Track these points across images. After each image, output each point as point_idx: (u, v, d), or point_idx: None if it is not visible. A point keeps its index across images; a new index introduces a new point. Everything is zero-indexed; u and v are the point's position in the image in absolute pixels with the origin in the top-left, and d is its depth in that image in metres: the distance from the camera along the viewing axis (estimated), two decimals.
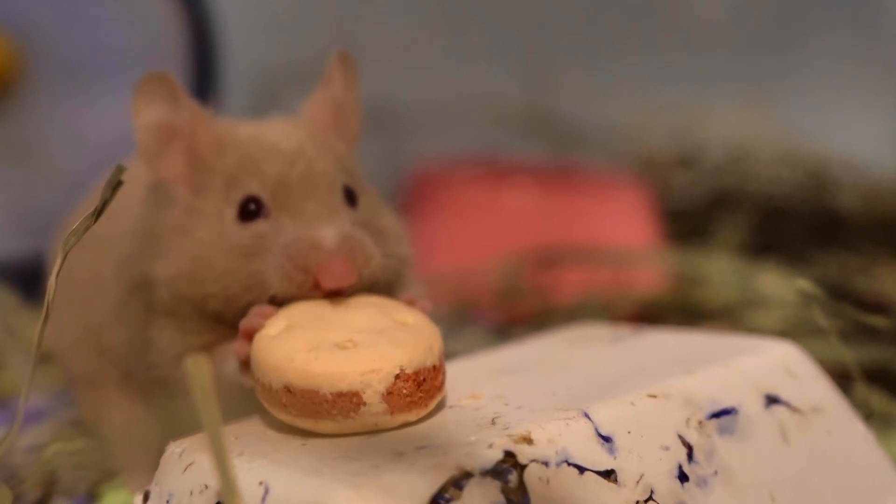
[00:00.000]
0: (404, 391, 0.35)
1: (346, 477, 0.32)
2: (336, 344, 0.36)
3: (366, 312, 0.38)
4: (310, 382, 0.35)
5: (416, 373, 0.35)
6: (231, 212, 0.41)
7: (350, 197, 0.42)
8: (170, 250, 0.42)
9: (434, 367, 0.36)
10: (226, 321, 0.41)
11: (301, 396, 0.35)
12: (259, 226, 0.41)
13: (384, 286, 0.42)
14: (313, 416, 0.35)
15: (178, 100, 0.42)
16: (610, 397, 0.37)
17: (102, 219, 0.39)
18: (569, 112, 0.96)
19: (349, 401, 0.35)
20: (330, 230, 0.40)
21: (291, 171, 0.41)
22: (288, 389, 0.35)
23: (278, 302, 0.40)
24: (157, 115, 0.42)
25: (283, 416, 0.36)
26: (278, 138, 0.42)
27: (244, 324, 0.39)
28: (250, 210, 0.41)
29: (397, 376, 0.35)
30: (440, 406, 0.37)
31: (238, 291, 0.40)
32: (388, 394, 0.35)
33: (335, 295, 0.39)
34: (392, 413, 0.35)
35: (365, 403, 0.35)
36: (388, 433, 0.35)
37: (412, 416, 0.35)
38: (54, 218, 0.58)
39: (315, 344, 0.36)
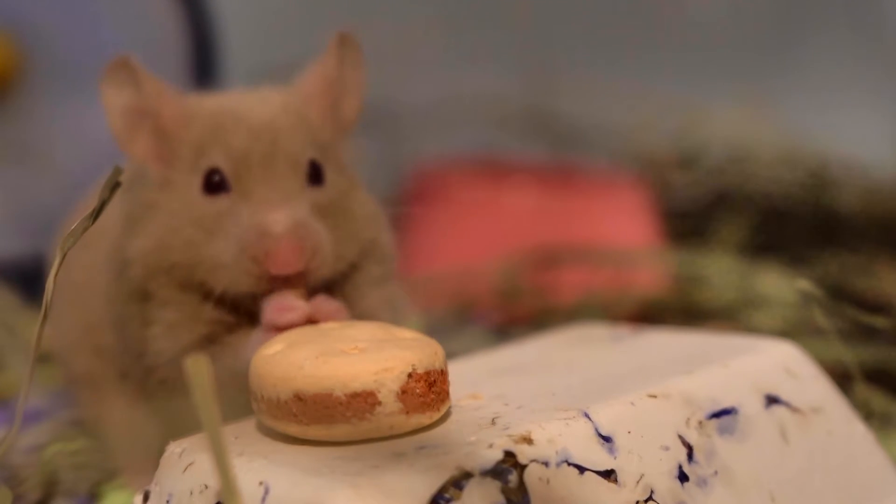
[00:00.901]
0: (417, 391, 0.35)
1: (346, 477, 0.32)
2: (343, 351, 0.36)
3: (366, 328, 0.38)
4: (322, 386, 0.34)
5: (427, 373, 0.35)
6: (197, 181, 0.42)
7: (316, 174, 0.42)
8: (144, 226, 0.42)
9: (441, 370, 0.36)
10: (207, 301, 0.41)
11: (313, 402, 0.34)
12: (220, 202, 0.41)
13: (345, 269, 0.42)
14: (326, 421, 0.34)
15: (141, 82, 0.42)
16: (610, 397, 0.37)
17: (100, 218, 0.40)
18: (569, 112, 0.96)
19: (364, 401, 0.34)
20: (280, 215, 0.40)
21: (255, 145, 0.41)
22: (298, 397, 0.35)
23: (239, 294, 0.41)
24: (123, 99, 0.43)
25: (294, 429, 0.35)
26: (248, 109, 0.43)
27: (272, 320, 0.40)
28: (214, 182, 0.41)
29: (410, 375, 0.35)
30: (448, 414, 0.37)
31: (198, 267, 0.41)
32: (403, 393, 0.34)
33: (286, 283, 0.40)
34: (407, 413, 0.35)
35: (380, 403, 0.34)
36: None
37: (426, 419, 0.35)
38: (54, 218, 0.58)
39: (322, 351, 0.36)
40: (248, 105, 0.43)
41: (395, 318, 0.43)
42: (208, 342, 0.42)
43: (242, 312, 0.41)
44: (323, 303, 0.41)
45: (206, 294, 0.41)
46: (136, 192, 0.44)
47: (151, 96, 0.42)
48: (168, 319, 0.42)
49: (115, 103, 0.43)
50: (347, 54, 0.45)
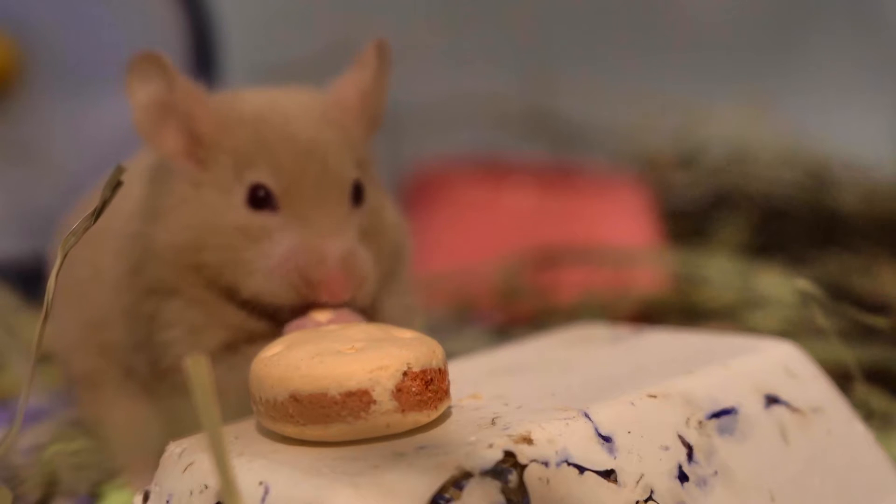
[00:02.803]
0: (413, 389, 0.35)
1: (345, 477, 0.32)
2: (339, 351, 0.36)
3: (364, 329, 0.38)
4: (317, 385, 0.34)
5: (424, 371, 0.35)
6: (241, 191, 0.42)
7: (358, 194, 0.43)
8: (174, 220, 0.42)
9: (440, 369, 0.36)
10: (235, 300, 0.41)
11: (309, 402, 0.34)
12: (267, 218, 0.41)
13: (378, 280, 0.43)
14: (323, 421, 0.34)
15: (170, 77, 0.42)
16: (610, 397, 0.37)
17: (102, 216, 0.40)
18: (569, 112, 0.96)
19: (359, 400, 0.34)
20: (336, 244, 0.41)
21: (307, 167, 0.41)
22: (294, 398, 0.35)
23: (271, 306, 0.41)
24: (150, 92, 0.42)
25: (291, 429, 0.35)
26: (291, 120, 0.42)
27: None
28: (260, 197, 0.41)
29: (405, 373, 0.35)
30: (448, 413, 0.37)
31: (230, 270, 0.41)
32: (398, 391, 0.34)
33: (327, 308, 0.41)
34: (403, 411, 0.35)
35: (375, 402, 0.34)
36: None
37: (423, 417, 0.35)
38: (54, 218, 0.58)
39: (318, 352, 0.36)
40: (288, 115, 0.43)
41: (411, 325, 0.43)
42: (229, 348, 0.42)
43: (265, 318, 0.41)
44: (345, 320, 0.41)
45: (232, 296, 0.41)
46: (160, 185, 0.44)
47: (182, 94, 0.42)
48: (191, 322, 0.42)
49: (141, 96, 0.42)
50: (382, 63, 0.45)
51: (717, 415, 0.38)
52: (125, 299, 0.44)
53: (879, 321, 0.50)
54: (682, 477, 0.36)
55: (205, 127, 0.42)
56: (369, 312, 0.42)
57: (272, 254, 0.41)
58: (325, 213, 0.41)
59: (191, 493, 0.35)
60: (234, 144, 0.42)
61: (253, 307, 0.42)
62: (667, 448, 0.37)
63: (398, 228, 0.45)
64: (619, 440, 0.36)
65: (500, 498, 0.33)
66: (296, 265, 0.40)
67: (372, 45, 0.44)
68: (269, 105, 0.43)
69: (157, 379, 0.44)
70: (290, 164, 0.41)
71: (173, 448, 0.37)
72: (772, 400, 0.40)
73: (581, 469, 0.35)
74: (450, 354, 0.39)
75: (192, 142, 0.43)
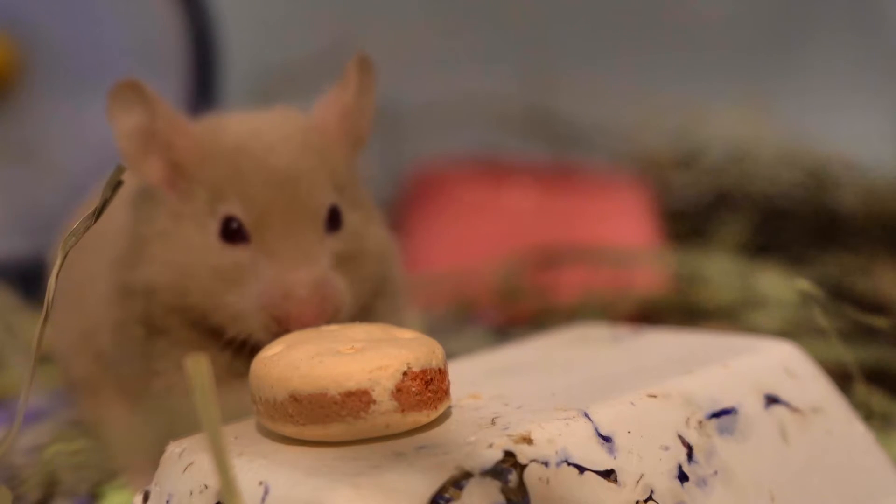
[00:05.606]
0: (413, 389, 0.35)
1: (345, 477, 0.32)
2: (339, 351, 0.36)
3: (365, 329, 0.38)
4: (316, 385, 0.34)
5: (424, 371, 0.35)
6: (214, 226, 0.41)
7: (335, 220, 0.42)
8: (154, 258, 0.42)
9: (440, 369, 0.36)
10: (221, 339, 0.41)
11: (308, 402, 0.34)
12: (239, 253, 0.41)
13: (363, 308, 0.43)
14: (322, 421, 0.34)
15: (152, 105, 0.42)
16: (610, 397, 0.37)
17: (100, 220, 0.40)
18: (569, 112, 0.96)
19: (358, 400, 0.34)
20: (304, 274, 0.40)
21: (276, 197, 0.41)
22: (294, 398, 0.35)
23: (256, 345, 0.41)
24: (133, 120, 0.42)
25: (290, 429, 0.35)
26: (267, 149, 0.42)
27: None
28: (232, 229, 0.41)
29: (405, 373, 0.35)
30: (448, 413, 0.37)
31: (214, 314, 0.41)
32: (398, 391, 0.34)
33: None
34: (403, 411, 0.35)
35: (375, 401, 0.34)
36: None
37: (423, 417, 0.35)
38: (54, 218, 0.58)
39: (318, 352, 0.36)
40: (266, 143, 0.42)
41: None
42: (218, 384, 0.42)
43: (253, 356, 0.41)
44: None
45: (219, 336, 0.41)
46: (144, 211, 0.43)
47: (164, 123, 0.42)
48: (178, 359, 0.42)
49: (124, 124, 0.42)
50: (365, 78, 0.44)
51: (717, 415, 0.38)
52: (115, 315, 0.44)
53: (879, 321, 0.50)
54: (682, 477, 0.36)
55: (185, 157, 0.42)
56: None
57: (245, 294, 0.40)
58: (294, 242, 0.41)
59: (191, 493, 0.35)
60: (210, 176, 0.42)
61: (240, 346, 0.41)
62: (667, 448, 0.37)
63: (382, 252, 0.45)
64: (619, 440, 0.36)
65: (500, 498, 0.33)
66: (263, 305, 0.40)
67: (353, 61, 0.44)
68: (247, 134, 0.43)
69: (147, 391, 0.44)
70: (260, 195, 0.41)
71: (173, 448, 0.37)
72: (772, 400, 0.40)
73: (581, 469, 0.35)
74: (450, 354, 0.39)
75: (174, 171, 0.42)
